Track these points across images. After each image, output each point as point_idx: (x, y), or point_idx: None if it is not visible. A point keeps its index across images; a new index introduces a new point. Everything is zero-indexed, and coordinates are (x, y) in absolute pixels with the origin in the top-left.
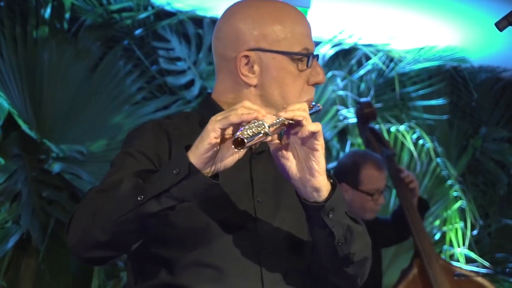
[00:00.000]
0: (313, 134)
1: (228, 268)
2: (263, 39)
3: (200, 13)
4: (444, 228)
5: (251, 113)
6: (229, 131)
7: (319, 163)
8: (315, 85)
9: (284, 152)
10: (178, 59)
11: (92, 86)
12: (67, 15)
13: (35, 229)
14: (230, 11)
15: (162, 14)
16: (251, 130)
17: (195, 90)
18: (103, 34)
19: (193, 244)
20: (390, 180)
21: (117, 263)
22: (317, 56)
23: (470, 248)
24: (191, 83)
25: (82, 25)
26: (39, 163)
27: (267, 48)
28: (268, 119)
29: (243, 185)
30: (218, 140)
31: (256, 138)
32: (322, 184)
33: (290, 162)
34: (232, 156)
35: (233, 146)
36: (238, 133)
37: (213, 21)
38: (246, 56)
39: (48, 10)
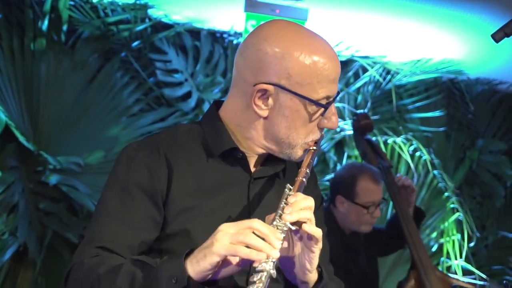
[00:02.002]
0: (314, 239)
1: None
2: (287, 78)
3: (197, 25)
4: (441, 240)
5: (260, 251)
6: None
7: (312, 264)
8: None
9: (284, 251)
10: (175, 71)
11: (89, 98)
12: (65, 27)
13: (32, 241)
14: (263, 33)
15: (159, 26)
16: (263, 280)
17: (192, 102)
18: (100, 46)
19: None
20: (386, 192)
21: None
22: (336, 97)
23: (467, 260)
24: (188, 95)
25: (80, 37)
26: (36, 175)
27: (287, 87)
28: (275, 254)
29: (240, 208)
30: (220, 261)
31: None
32: (310, 280)
33: (284, 255)
34: (231, 271)
35: None
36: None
37: (210, 33)
38: (264, 89)
39: (46, 22)
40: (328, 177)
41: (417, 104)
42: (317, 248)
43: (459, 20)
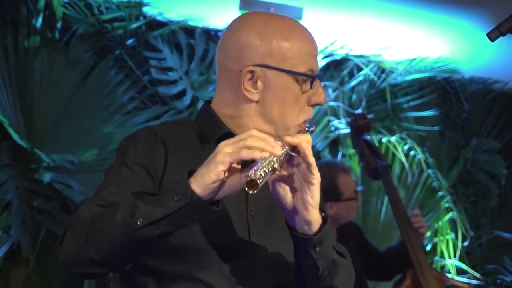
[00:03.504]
0: (309, 168)
1: (217, 283)
2: (270, 56)
3: (192, 23)
4: (435, 239)
5: (262, 150)
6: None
7: (314, 197)
8: (315, 105)
9: (280, 180)
10: (170, 69)
11: (83, 95)
12: (59, 25)
13: (25, 239)
14: (237, 24)
15: (154, 24)
16: (262, 170)
17: (187, 100)
18: (95, 44)
19: (182, 257)
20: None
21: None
22: (320, 75)
23: (461, 259)
24: (182, 93)
25: (74, 34)
26: (30, 172)
27: (273, 65)
28: (277, 151)
29: (237, 200)
30: (225, 173)
31: (267, 177)
32: (314, 218)
33: (286, 192)
34: (234, 186)
35: (246, 188)
36: (250, 174)
37: (205, 31)
38: (251, 72)
39: (40, 20)
40: None
41: (412, 103)
42: (315, 178)
43: (453, 20)
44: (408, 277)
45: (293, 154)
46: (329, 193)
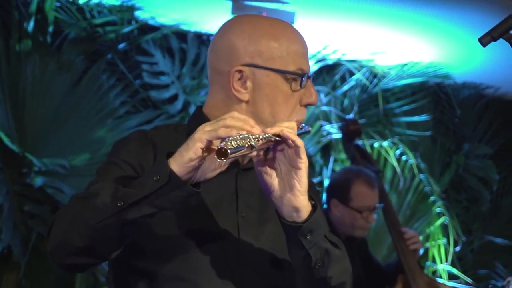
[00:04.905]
0: (297, 152)
1: (207, 285)
2: (258, 56)
3: (184, 27)
4: (427, 244)
5: (240, 128)
6: (216, 142)
7: (301, 183)
8: (307, 105)
9: (267, 168)
10: (162, 73)
11: (75, 99)
12: (51, 29)
13: (16, 243)
14: (226, 26)
15: (146, 28)
16: (235, 142)
17: (179, 104)
18: (87, 48)
19: (173, 258)
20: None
21: (98, 277)
22: (312, 76)
23: (452, 264)
24: (174, 98)
25: (66, 38)
26: (21, 177)
27: (261, 64)
28: (256, 130)
29: (227, 200)
30: (203, 150)
31: (241, 151)
32: (302, 204)
33: (273, 179)
34: (215, 168)
35: (216, 157)
36: (222, 144)
37: (197, 35)
38: (240, 71)
39: (31, 24)
40: (315, 180)
41: (404, 108)
42: (303, 163)
43: (446, 25)
44: (399, 282)
45: (277, 138)
46: (340, 192)
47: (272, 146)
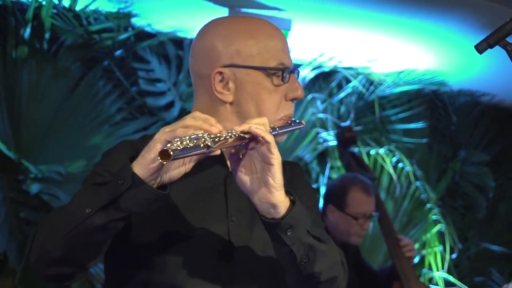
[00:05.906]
0: (268, 148)
1: None
2: (237, 55)
3: (181, 34)
4: (423, 252)
5: (198, 128)
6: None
7: (275, 178)
8: (294, 100)
9: (241, 166)
10: (158, 80)
11: (71, 106)
12: (47, 35)
13: (12, 250)
14: (203, 29)
15: (143, 35)
16: (184, 142)
17: (175, 111)
18: (83, 55)
19: (166, 265)
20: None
21: (95, 284)
22: (296, 71)
23: (449, 271)
24: (171, 105)
25: (62, 45)
26: (17, 183)
27: (241, 64)
28: (215, 129)
29: (217, 204)
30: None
31: (194, 151)
32: (278, 200)
33: (247, 177)
34: (178, 169)
35: (159, 158)
36: (168, 145)
37: None
38: (220, 73)
39: (28, 30)
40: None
41: (400, 115)
42: (275, 159)
43: (441, 33)
44: None
45: (245, 136)
46: (336, 198)
47: (244, 144)
